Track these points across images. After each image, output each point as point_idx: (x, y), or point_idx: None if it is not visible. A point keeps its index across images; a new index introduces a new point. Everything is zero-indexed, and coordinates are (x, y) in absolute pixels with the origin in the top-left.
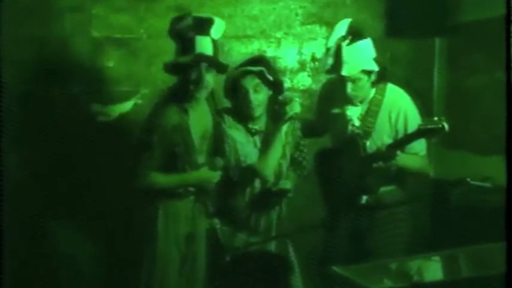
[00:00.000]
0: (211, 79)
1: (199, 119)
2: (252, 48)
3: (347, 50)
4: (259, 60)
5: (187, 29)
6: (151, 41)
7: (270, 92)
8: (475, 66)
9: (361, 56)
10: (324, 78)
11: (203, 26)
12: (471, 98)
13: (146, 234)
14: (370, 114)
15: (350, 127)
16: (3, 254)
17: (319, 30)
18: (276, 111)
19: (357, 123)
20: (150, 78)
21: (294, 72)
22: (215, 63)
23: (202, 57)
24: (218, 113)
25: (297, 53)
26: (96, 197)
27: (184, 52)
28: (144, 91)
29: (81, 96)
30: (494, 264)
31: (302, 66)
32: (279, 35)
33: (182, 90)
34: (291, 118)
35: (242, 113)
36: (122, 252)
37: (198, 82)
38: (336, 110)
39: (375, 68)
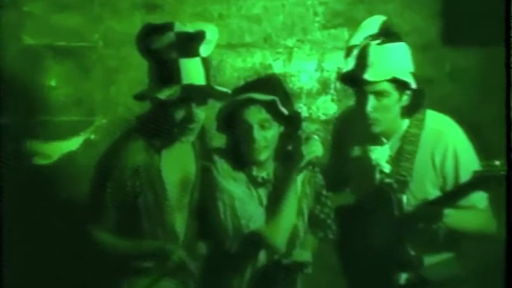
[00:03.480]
0: (202, 115)
1: (176, 162)
2: (252, 61)
3: (376, 51)
4: (267, 82)
5: (168, 49)
6: (109, 50)
7: (282, 128)
8: None
9: (394, 62)
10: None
11: (191, 44)
12: None
13: None
14: (405, 155)
15: (378, 175)
16: None
17: (347, 35)
18: (289, 153)
19: (386, 169)
20: (109, 103)
21: (312, 96)
22: (210, 94)
23: (192, 91)
24: (207, 155)
25: (316, 69)
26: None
27: (164, 79)
28: (100, 121)
29: (10, 130)
30: None
31: (324, 86)
32: (290, 42)
33: (159, 128)
34: (309, 164)
35: (242, 156)
36: None
37: (186, 123)
38: (356, 152)
39: (411, 81)
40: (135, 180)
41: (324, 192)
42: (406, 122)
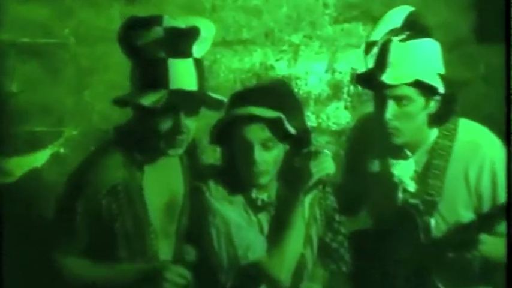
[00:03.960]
0: (192, 126)
1: (161, 180)
2: (250, 61)
3: (398, 48)
4: (273, 92)
5: (154, 47)
6: (82, 48)
7: (287, 147)
8: None
9: (420, 62)
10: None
11: (182, 42)
12: None
13: None
14: (433, 171)
15: (401, 195)
16: None
17: (364, 31)
18: (295, 170)
19: (411, 187)
20: (81, 110)
21: (321, 102)
22: (202, 102)
23: (181, 97)
24: (198, 173)
25: (326, 70)
26: None
27: (149, 82)
28: (71, 133)
29: None
30: None
31: (335, 91)
32: (295, 39)
33: (142, 140)
34: (318, 183)
35: (240, 177)
36: None
37: (173, 135)
38: (375, 167)
39: (439, 85)
40: (112, 200)
41: (337, 216)
42: (434, 132)
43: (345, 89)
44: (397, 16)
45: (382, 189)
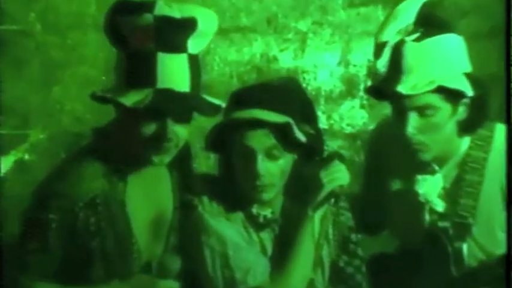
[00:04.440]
0: (183, 133)
1: (148, 194)
2: (250, 52)
3: (413, 50)
4: (280, 91)
5: (142, 36)
6: (51, 37)
7: (296, 156)
8: None
9: (440, 64)
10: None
11: (175, 34)
12: None
13: None
14: (465, 189)
15: (427, 217)
16: None
17: (384, 17)
18: (303, 181)
19: (439, 207)
20: (50, 110)
21: (333, 100)
22: (195, 106)
23: (169, 99)
24: (190, 185)
25: (339, 62)
26: None
27: (134, 78)
28: (38, 136)
29: None
30: None
31: (350, 87)
32: (303, 26)
33: (125, 146)
34: (331, 196)
35: (239, 191)
36: None
37: (159, 141)
38: (397, 185)
39: (466, 88)
40: (90, 214)
41: (353, 236)
42: (466, 142)
43: (361, 85)
44: (408, 10)
45: (406, 210)
